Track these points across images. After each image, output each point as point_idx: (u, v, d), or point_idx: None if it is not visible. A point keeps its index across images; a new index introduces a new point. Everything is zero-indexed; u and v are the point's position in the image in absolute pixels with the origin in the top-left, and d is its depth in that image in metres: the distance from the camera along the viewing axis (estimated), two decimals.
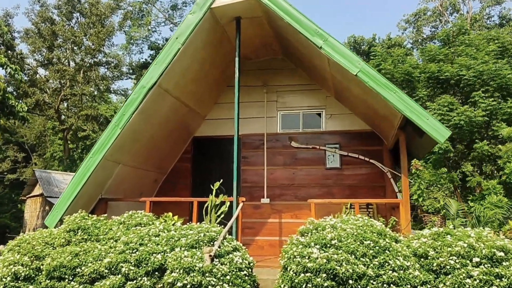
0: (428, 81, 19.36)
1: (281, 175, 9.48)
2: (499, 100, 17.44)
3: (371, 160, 9.03)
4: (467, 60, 18.46)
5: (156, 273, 5.21)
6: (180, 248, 5.28)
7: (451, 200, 13.61)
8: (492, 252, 4.76)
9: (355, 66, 6.53)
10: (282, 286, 4.85)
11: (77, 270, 5.47)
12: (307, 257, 4.82)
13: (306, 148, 9.45)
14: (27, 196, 26.47)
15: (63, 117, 35.27)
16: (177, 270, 4.92)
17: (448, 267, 4.75)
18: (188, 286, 4.77)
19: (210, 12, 7.32)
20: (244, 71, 9.32)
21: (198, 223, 6.19)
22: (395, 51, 22.81)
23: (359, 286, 4.62)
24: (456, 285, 4.59)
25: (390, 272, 4.70)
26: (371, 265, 4.77)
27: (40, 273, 5.71)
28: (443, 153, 17.57)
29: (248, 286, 5.07)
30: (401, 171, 7.08)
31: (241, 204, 7.17)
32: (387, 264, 4.78)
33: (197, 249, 5.24)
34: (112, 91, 41.18)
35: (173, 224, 6.16)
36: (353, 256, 4.82)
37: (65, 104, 36.62)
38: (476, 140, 17.47)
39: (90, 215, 6.65)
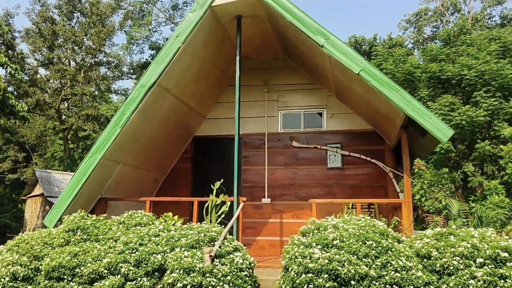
0: (429, 81, 19.31)
1: (282, 175, 9.43)
2: (501, 100, 17.38)
3: (372, 160, 8.97)
4: (469, 60, 18.40)
5: (156, 273, 5.15)
6: (180, 248, 5.23)
7: (453, 200, 13.58)
8: (496, 252, 4.70)
9: (357, 65, 6.48)
10: (283, 286, 4.79)
11: (76, 270, 5.41)
12: (308, 258, 4.76)
13: (307, 147, 9.39)
14: (28, 196, 26.43)
15: (63, 117, 35.24)
16: (177, 271, 4.87)
17: (451, 267, 4.70)
18: (188, 286, 4.71)
19: (211, 10, 7.27)
20: (245, 70, 9.26)
21: (199, 223, 6.13)
22: (396, 51, 22.77)
23: (361, 287, 4.56)
24: (459, 286, 4.54)
25: (393, 272, 4.64)
26: (374, 265, 4.71)
27: (39, 273, 5.64)
28: (445, 153, 17.52)
29: (249, 286, 5.01)
30: (403, 171, 7.02)
31: (241, 204, 7.11)
32: (389, 264, 4.72)
33: (198, 249, 5.19)
34: (113, 91, 41.18)
35: (173, 224, 6.11)
36: (355, 257, 4.76)
37: (66, 104, 36.59)
38: (478, 140, 17.42)
39: (89, 215, 6.59)
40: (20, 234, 6.49)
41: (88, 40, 34.72)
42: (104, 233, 6.08)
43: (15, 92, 31.63)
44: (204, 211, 6.68)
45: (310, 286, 4.56)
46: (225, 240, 5.40)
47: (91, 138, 34.88)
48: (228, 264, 5.02)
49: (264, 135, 9.62)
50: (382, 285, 4.56)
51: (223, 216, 6.65)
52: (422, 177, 6.34)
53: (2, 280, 5.55)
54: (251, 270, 5.25)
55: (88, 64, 35.27)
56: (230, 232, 6.28)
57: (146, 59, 39.51)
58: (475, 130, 17.23)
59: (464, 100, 18.89)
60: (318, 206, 7.34)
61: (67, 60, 34.89)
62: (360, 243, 4.90)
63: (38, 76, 34.46)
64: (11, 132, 36.21)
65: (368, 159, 9.01)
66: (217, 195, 6.83)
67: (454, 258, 4.74)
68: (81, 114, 33.33)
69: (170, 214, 6.72)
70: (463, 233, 5.14)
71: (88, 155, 7.20)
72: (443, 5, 37.11)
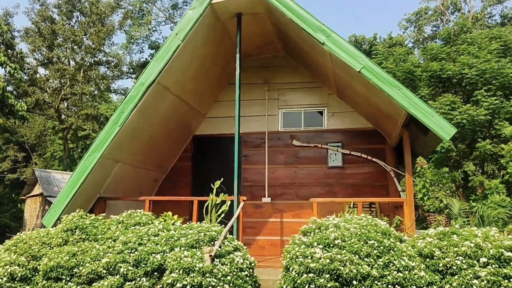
0: (430, 79, 19.28)
1: (282, 174, 9.37)
2: (502, 99, 17.34)
3: (373, 159, 8.92)
4: (469, 59, 18.37)
5: (155, 273, 5.10)
6: (180, 248, 5.17)
7: (454, 199, 13.54)
8: (499, 252, 4.64)
9: (359, 63, 6.42)
10: (284, 286, 4.74)
11: (74, 270, 5.35)
12: (309, 257, 4.70)
13: (308, 146, 9.33)
14: (27, 195, 26.41)
15: (63, 116, 35.20)
16: (177, 271, 4.81)
17: (454, 267, 4.63)
18: (188, 286, 4.65)
19: (211, 7, 7.20)
20: (245, 68, 9.20)
21: (198, 222, 6.07)
22: (397, 50, 22.74)
23: (363, 287, 4.50)
24: (463, 286, 4.47)
25: (395, 272, 4.58)
26: (376, 265, 4.65)
27: (37, 274, 5.59)
28: (445, 152, 17.49)
29: (249, 286, 4.96)
30: (405, 170, 6.95)
31: (242, 203, 7.06)
32: (391, 264, 4.66)
33: (197, 249, 5.13)
34: (112, 91, 41.17)
35: (172, 224, 6.06)
36: (357, 256, 4.70)
37: (65, 104, 36.56)
38: (479, 140, 17.38)
39: (88, 214, 6.53)
40: (18, 233, 6.44)
41: (87, 39, 34.69)
42: (103, 232, 6.02)
43: (14, 92, 31.57)
44: (204, 210, 6.62)
45: (311, 286, 4.50)
46: (225, 240, 5.35)
47: (90, 137, 34.87)
48: (228, 264, 4.96)
49: (265, 134, 9.56)
50: (384, 285, 4.50)
51: (223, 215, 6.59)
52: (425, 176, 6.26)
53: (0, 280, 5.49)
54: (251, 270, 5.19)
55: (88, 64, 35.24)
56: (230, 231, 6.22)
57: (146, 59, 39.48)
58: (475, 129, 17.19)
59: (464, 99, 18.85)
60: (319, 205, 7.28)
61: (66, 60, 34.88)
62: (362, 243, 4.84)
63: (38, 75, 34.44)
64: (10, 131, 36.22)
65: (369, 158, 8.95)
66: (217, 194, 6.77)
67: (457, 257, 4.68)
68: (81, 114, 33.30)
69: (170, 213, 6.66)
70: (466, 233, 5.08)
71: (87, 154, 7.14)
72: (443, 4, 37.08)
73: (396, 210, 8.16)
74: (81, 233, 5.96)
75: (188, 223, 5.93)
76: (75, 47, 34.55)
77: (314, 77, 9.56)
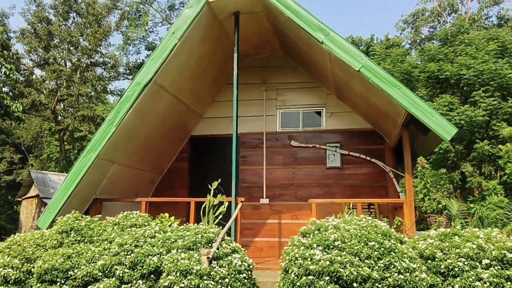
0: (427, 80, 19.27)
1: (280, 174, 9.29)
2: (499, 99, 17.34)
3: (372, 159, 8.86)
4: (467, 60, 18.37)
5: (152, 276, 5.01)
6: (177, 250, 5.08)
7: (452, 200, 13.49)
8: (502, 253, 4.56)
9: (358, 62, 6.35)
10: None
11: (69, 273, 5.24)
12: (309, 259, 4.61)
13: (306, 147, 9.27)
14: (23, 197, 26.28)
15: (59, 117, 35.04)
16: (174, 273, 4.72)
17: (456, 269, 4.55)
18: None
19: (208, 6, 7.12)
20: (242, 68, 9.13)
21: (196, 224, 5.98)
22: (394, 51, 22.73)
23: None
24: None
25: (396, 274, 4.50)
26: (376, 267, 4.56)
27: (31, 276, 5.49)
28: (443, 153, 17.47)
29: None
30: (405, 170, 6.88)
31: (240, 205, 6.98)
32: (392, 266, 4.57)
33: (195, 251, 5.04)
34: (109, 92, 41.06)
35: (169, 225, 5.98)
36: (357, 258, 4.61)
37: (62, 105, 36.37)
38: (477, 140, 17.37)
39: (83, 215, 6.43)
40: (12, 236, 6.33)
41: (84, 40, 34.54)
42: (99, 234, 5.93)
43: (10, 93, 31.40)
44: (202, 212, 6.55)
45: None
46: (223, 242, 5.26)
47: (87, 139, 34.70)
48: (226, 266, 4.87)
49: (262, 134, 9.48)
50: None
51: (220, 217, 6.51)
52: (425, 176, 6.18)
53: None
54: (249, 272, 5.10)
55: (84, 65, 35.08)
56: (228, 233, 6.14)
57: (143, 60, 39.36)
58: (473, 130, 17.19)
59: (462, 100, 18.84)
60: (317, 206, 7.21)
61: (63, 61, 34.70)
62: (362, 244, 4.75)
63: (34, 76, 34.27)
64: (6, 133, 36.10)
65: (368, 158, 8.90)
66: (215, 196, 6.70)
67: (459, 259, 4.60)
68: (77, 115, 33.13)
69: (167, 215, 6.58)
70: (468, 234, 5.01)
71: (82, 154, 7.05)
72: (440, 5, 37.12)
73: (396, 211, 8.09)
74: (77, 235, 5.86)
75: (185, 224, 5.84)
76: (71, 48, 34.39)
77: (313, 77, 9.50)
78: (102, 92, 39.55)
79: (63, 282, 5.23)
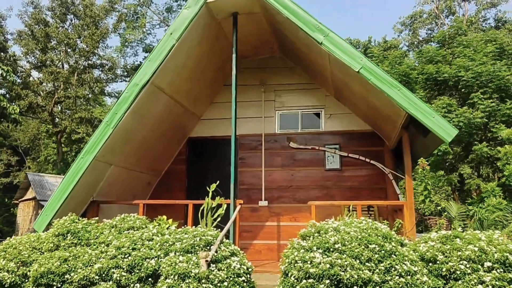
0: (426, 82, 19.27)
1: (279, 176, 9.23)
2: (498, 101, 17.34)
3: (372, 161, 8.80)
4: (465, 61, 18.37)
5: (150, 279, 4.95)
6: (175, 253, 5.02)
7: (451, 203, 13.46)
8: (504, 256, 4.51)
9: (357, 62, 6.30)
10: None
11: (66, 276, 5.18)
12: (309, 262, 4.55)
13: (305, 148, 9.21)
14: (20, 199, 26.18)
15: (57, 120, 34.90)
16: (172, 276, 4.66)
17: (458, 272, 4.50)
18: None
19: (206, 6, 7.07)
20: (241, 69, 9.08)
21: (194, 226, 5.91)
22: (392, 53, 22.73)
23: None
24: None
25: (397, 277, 4.44)
26: (377, 270, 4.50)
27: (26, 280, 5.43)
28: (442, 155, 17.44)
29: None
30: (405, 172, 6.83)
31: (238, 207, 6.93)
32: (393, 269, 4.51)
33: (193, 254, 4.98)
34: (107, 94, 40.94)
35: (167, 228, 5.92)
36: (357, 261, 4.55)
37: (59, 107, 36.26)
38: (475, 142, 17.36)
39: (80, 218, 6.37)
40: (7, 238, 6.26)
41: (81, 42, 34.44)
42: (96, 237, 5.86)
43: (7, 95, 31.28)
44: (200, 214, 6.48)
45: None
46: (221, 245, 5.19)
47: (84, 141, 34.55)
48: (225, 269, 4.80)
49: (261, 136, 9.42)
50: None
51: (219, 219, 6.44)
52: (426, 178, 6.13)
53: None
54: (248, 276, 5.04)
55: (82, 67, 34.97)
56: (227, 236, 6.07)
57: (140, 62, 39.24)
58: (472, 132, 17.17)
59: (461, 102, 18.84)
60: (317, 208, 7.14)
61: (60, 63, 34.61)
62: (363, 247, 4.69)
63: (31, 78, 34.15)
64: (4, 135, 35.97)
65: (367, 160, 8.84)
66: (213, 198, 6.63)
67: (461, 262, 4.55)
68: (75, 117, 33.03)
69: (164, 217, 6.52)
70: (470, 236, 4.95)
71: (79, 156, 6.98)
72: (438, 7, 37.18)
73: (395, 213, 8.03)
74: (73, 238, 5.80)
75: (183, 227, 5.77)
76: (69, 50, 34.29)
77: (311, 78, 9.45)
78: (100, 94, 39.44)
79: (59, 285, 5.17)
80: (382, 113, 7.63)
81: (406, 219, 6.63)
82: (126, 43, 39.29)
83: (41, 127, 37.36)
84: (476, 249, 4.62)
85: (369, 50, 27.19)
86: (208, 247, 5.08)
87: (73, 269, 5.20)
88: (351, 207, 6.83)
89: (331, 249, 4.70)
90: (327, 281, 4.36)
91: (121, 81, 40.09)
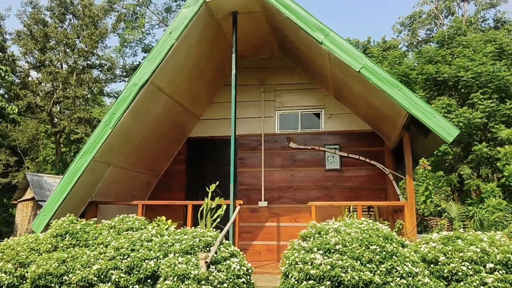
0: (425, 82, 19.24)
1: (279, 177, 9.18)
2: (497, 101, 17.32)
3: (372, 162, 8.76)
4: (465, 62, 18.35)
5: (149, 280, 4.90)
6: (174, 254, 4.97)
7: (451, 203, 13.42)
8: (507, 257, 4.49)
9: (358, 62, 6.27)
10: None
11: (64, 277, 5.13)
12: (309, 263, 4.51)
13: (305, 149, 9.17)
14: (19, 200, 26.10)
15: (55, 120, 34.84)
16: (171, 278, 4.61)
17: (460, 273, 4.47)
18: None
19: (206, 6, 7.02)
20: (240, 69, 9.04)
21: (193, 227, 5.87)
22: (392, 53, 22.71)
23: None
24: None
25: (398, 279, 4.40)
26: (378, 271, 4.47)
27: (24, 281, 5.37)
28: (442, 155, 17.42)
29: None
30: (406, 172, 6.78)
31: (238, 208, 6.88)
32: (395, 270, 4.47)
33: (192, 255, 4.93)
34: (105, 94, 40.90)
35: (166, 229, 5.87)
36: (358, 262, 4.52)
37: (58, 107, 36.20)
38: (475, 143, 17.33)
39: (79, 219, 6.32)
40: (5, 239, 6.21)
41: (80, 42, 34.39)
42: (94, 238, 5.81)
43: (5, 95, 31.21)
44: (199, 215, 6.43)
45: None
46: (221, 246, 5.15)
47: (83, 141, 34.49)
48: (225, 270, 4.76)
49: (261, 136, 9.37)
50: None
51: (218, 220, 6.40)
52: (427, 178, 6.09)
53: None
54: (248, 277, 5.00)
55: (81, 67, 34.91)
56: (226, 236, 6.02)
57: (139, 62, 39.23)
58: (471, 132, 17.15)
59: (460, 102, 18.82)
60: (317, 209, 7.10)
61: (59, 63, 34.57)
62: (364, 248, 4.65)
63: (30, 78, 34.09)
64: (2, 135, 35.90)
65: (367, 160, 8.80)
66: (213, 198, 6.58)
67: (463, 263, 4.52)
68: (74, 117, 32.98)
69: (163, 218, 6.46)
70: (471, 237, 4.92)
71: (78, 156, 6.93)
72: (437, 8, 37.17)
73: (395, 214, 8.00)
74: (72, 239, 5.75)
75: (182, 228, 5.73)
76: (67, 50, 34.25)
77: (311, 78, 9.41)
78: (99, 94, 39.42)
79: (57, 287, 5.12)
80: (382, 113, 7.59)
81: (407, 219, 6.59)
82: (125, 43, 39.28)
83: (40, 127, 37.29)
84: (478, 250, 4.59)
85: (368, 50, 27.17)
86: (207, 248, 5.03)
87: (71, 270, 5.16)
88: (351, 208, 6.79)
89: (332, 250, 4.66)
90: (328, 283, 4.31)
91: (120, 81, 40.09)
